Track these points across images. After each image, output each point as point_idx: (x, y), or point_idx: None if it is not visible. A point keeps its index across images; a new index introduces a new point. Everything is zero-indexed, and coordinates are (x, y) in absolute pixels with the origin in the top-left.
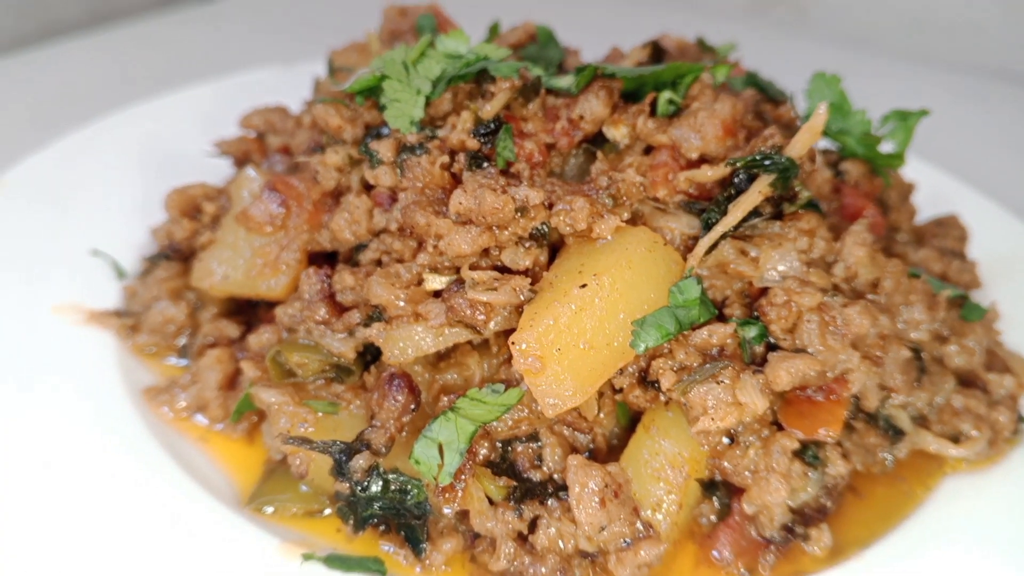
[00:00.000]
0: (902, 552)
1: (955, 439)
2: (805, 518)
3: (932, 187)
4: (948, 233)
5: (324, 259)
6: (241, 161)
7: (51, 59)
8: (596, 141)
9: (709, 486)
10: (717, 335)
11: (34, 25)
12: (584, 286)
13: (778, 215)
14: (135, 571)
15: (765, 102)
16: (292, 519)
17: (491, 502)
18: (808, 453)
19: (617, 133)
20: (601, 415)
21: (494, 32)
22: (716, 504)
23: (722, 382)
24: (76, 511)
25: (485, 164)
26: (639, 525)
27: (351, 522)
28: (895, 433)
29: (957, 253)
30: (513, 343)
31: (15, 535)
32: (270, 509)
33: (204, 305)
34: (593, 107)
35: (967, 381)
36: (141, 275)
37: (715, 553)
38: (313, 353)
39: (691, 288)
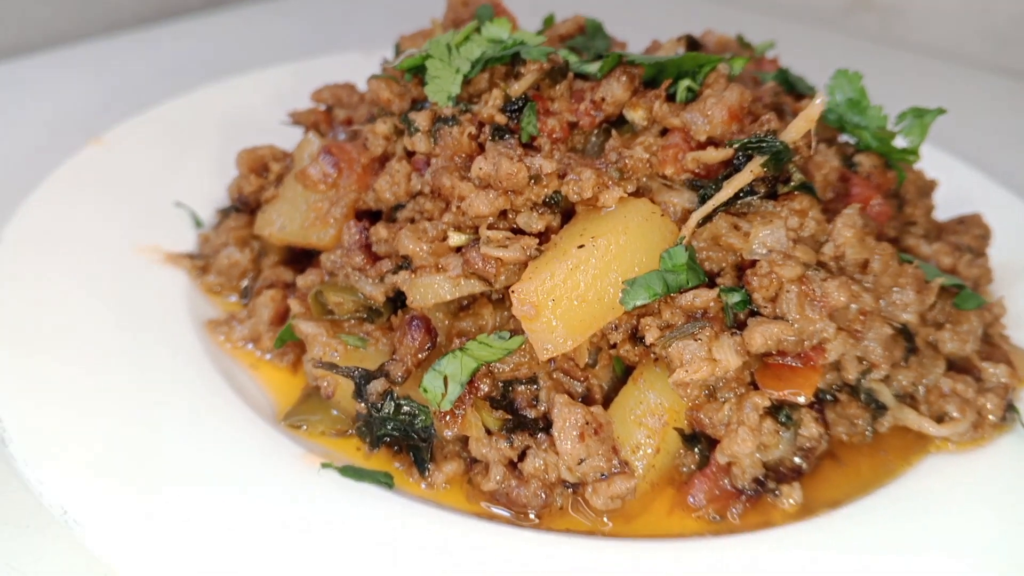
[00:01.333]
0: (868, 517)
1: (940, 419)
2: (779, 475)
3: (984, 194)
4: (968, 231)
5: (370, 217)
6: (310, 130)
7: (158, 38)
8: (617, 122)
9: (691, 439)
10: (701, 298)
11: (151, 7)
12: (582, 247)
13: (773, 195)
14: (179, 465)
15: (786, 94)
16: (320, 437)
17: (488, 432)
18: (782, 413)
19: (635, 115)
20: (597, 367)
21: (548, 23)
22: (697, 456)
23: (699, 339)
24: (137, 417)
25: (507, 136)
26: (616, 462)
27: (368, 440)
28: (878, 407)
29: (973, 250)
30: (513, 291)
31: (85, 425)
32: (303, 427)
33: (266, 252)
34: (614, 90)
35: (961, 368)
36: (215, 225)
37: (690, 498)
38: (349, 295)
39: (679, 255)
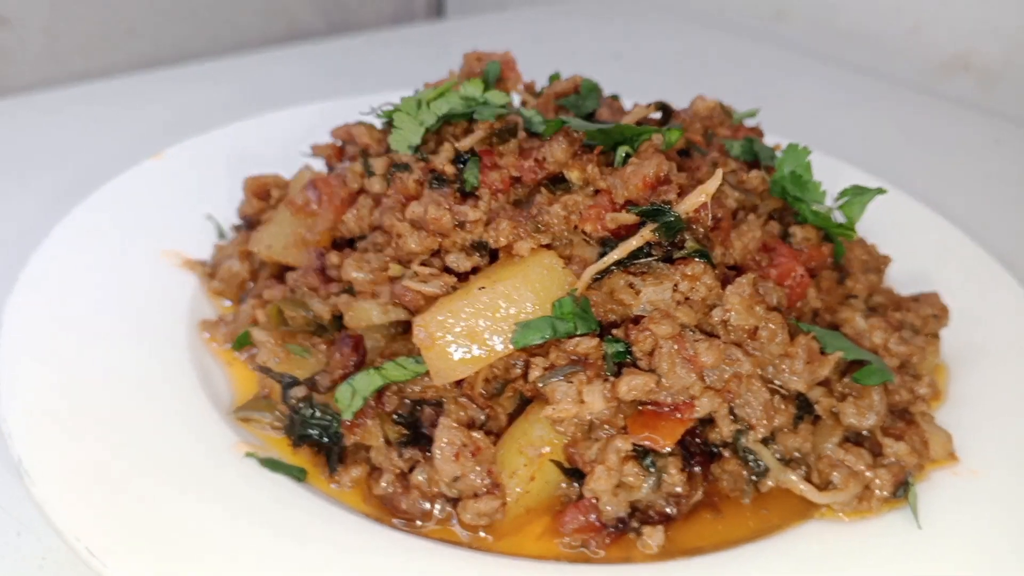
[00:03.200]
0: (723, 568)
1: (826, 487)
2: (646, 517)
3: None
4: (919, 309)
5: (347, 244)
6: (327, 162)
7: (282, 59)
8: (559, 180)
9: (575, 473)
10: (583, 345)
11: (280, 28)
12: (482, 288)
13: (670, 259)
14: (120, 437)
15: (748, 164)
16: (262, 432)
17: (388, 443)
18: (647, 459)
19: (572, 175)
20: (502, 396)
21: (553, 80)
22: (578, 489)
23: (571, 382)
24: (101, 392)
25: (446, 185)
26: (488, 483)
27: (292, 438)
28: (758, 467)
29: (917, 328)
30: (414, 321)
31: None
32: (250, 420)
33: (264, 266)
34: (555, 151)
35: (862, 441)
36: (232, 239)
37: (561, 527)
38: (301, 310)
39: (567, 304)
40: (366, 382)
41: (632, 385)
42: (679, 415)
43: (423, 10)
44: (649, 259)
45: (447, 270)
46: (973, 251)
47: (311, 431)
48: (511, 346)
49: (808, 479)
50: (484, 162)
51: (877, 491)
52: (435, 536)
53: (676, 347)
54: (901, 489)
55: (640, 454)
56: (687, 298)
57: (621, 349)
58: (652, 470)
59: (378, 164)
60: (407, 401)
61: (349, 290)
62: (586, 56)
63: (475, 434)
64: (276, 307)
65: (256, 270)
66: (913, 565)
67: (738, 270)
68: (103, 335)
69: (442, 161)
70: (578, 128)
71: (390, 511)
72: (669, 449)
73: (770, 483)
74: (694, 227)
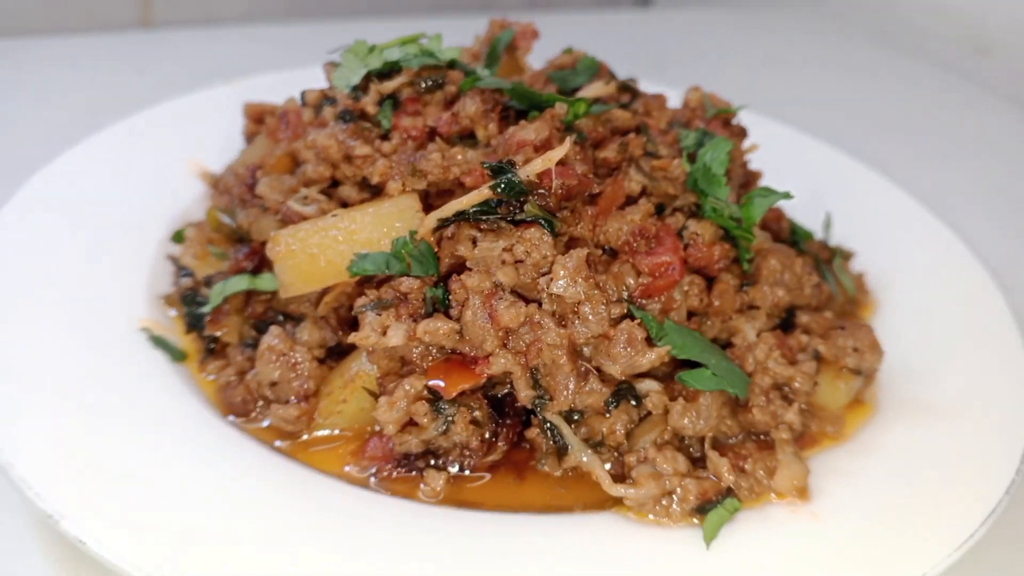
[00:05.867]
0: (482, 528)
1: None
2: (437, 460)
3: None
4: (837, 339)
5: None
6: None
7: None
8: (471, 136)
9: None
10: (405, 284)
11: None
12: (335, 215)
13: (515, 221)
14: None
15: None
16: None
17: (241, 336)
18: (439, 404)
19: (479, 132)
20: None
21: (566, 53)
22: None
23: (379, 315)
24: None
25: (351, 121)
26: (300, 394)
27: (185, 324)
28: (558, 441)
29: (819, 356)
30: (270, 236)
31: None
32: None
33: None
34: (467, 107)
35: (687, 445)
36: None
37: (363, 452)
38: (228, 217)
39: (405, 245)
40: (234, 284)
41: (429, 328)
42: (474, 369)
43: None
44: (498, 217)
45: (344, 205)
46: None
47: (192, 321)
48: (348, 273)
49: (621, 473)
50: (406, 108)
51: (676, 499)
52: (253, 433)
53: (480, 302)
54: (710, 505)
55: (435, 398)
56: (519, 261)
57: (440, 295)
58: (440, 416)
59: (311, 97)
60: (272, 311)
61: (265, 206)
62: (765, 61)
63: (300, 350)
64: (212, 212)
65: None
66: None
67: (615, 253)
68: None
69: (367, 102)
70: (493, 86)
71: (226, 407)
72: (444, 394)
73: (574, 461)
74: (542, 192)
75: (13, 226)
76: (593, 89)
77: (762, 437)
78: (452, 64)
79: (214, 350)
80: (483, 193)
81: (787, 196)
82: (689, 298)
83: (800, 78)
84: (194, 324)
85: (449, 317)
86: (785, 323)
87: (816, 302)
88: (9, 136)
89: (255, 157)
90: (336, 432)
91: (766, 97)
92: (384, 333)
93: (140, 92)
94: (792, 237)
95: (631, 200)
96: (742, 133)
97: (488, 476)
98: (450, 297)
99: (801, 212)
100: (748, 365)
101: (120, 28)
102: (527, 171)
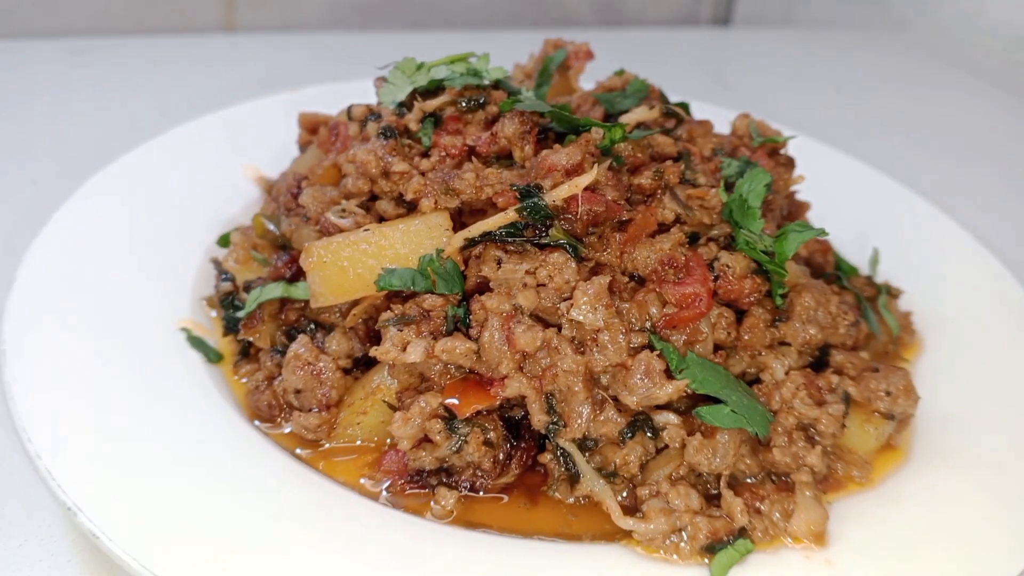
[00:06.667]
0: (487, 550)
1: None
2: (450, 479)
3: None
4: (869, 382)
5: None
6: None
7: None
8: (511, 156)
9: None
10: (428, 301)
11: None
12: (367, 229)
13: (540, 245)
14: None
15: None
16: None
17: (273, 342)
18: (454, 422)
19: (516, 154)
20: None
21: (617, 75)
22: None
23: (401, 331)
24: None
25: (391, 138)
26: (323, 403)
27: (224, 327)
28: (571, 468)
29: (849, 399)
30: (303, 247)
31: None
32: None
33: None
34: (505, 128)
35: (705, 480)
36: None
37: (380, 464)
38: (272, 224)
39: (430, 263)
40: (269, 291)
41: (447, 347)
42: (489, 390)
43: (708, 16)
44: (523, 240)
45: (381, 219)
46: None
47: (230, 324)
48: (376, 287)
49: (634, 504)
50: (447, 127)
51: (686, 536)
52: (278, 440)
53: (499, 323)
54: (720, 545)
55: (450, 416)
56: (542, 285)
57: (461, 314)
58: (454, 434)
59: (357, 111)
60: (305, 319)
61: (307, 216)
62: (840, 83)
63: (325, 359)
64: (258, 218)
65: None
66: None
67: (642, 281)
68: (116, 286)
69: (411, 119)
70: (532, 108)
71: (253, 412)
72: (458, 413)
73: (586, 490)
74: (568, 217)
75: (72, 221)
76: (637, 114)
77: (783, 478)
78: (497, 84)
79: (248, 354)
80: (509, 215)
81: (822, 233)
82: (717, 331)
83: (876, 102)
84: (231, 327)
85: (469, 337)
86: (819, 361)
87: (852, 342)
88: (83, 132)
89: (305, 167)
90: (357, 443)
91: (838, 121)
92: (404, 349)
93: (212, 95)
94: (836, 271)
95: (664, 228)
96: (789, 163)
97: (506, 498)
98: (470, 317)
99: (851, 246)
100: (774, 403)
101: (205, 31)
102: (554, 196)
